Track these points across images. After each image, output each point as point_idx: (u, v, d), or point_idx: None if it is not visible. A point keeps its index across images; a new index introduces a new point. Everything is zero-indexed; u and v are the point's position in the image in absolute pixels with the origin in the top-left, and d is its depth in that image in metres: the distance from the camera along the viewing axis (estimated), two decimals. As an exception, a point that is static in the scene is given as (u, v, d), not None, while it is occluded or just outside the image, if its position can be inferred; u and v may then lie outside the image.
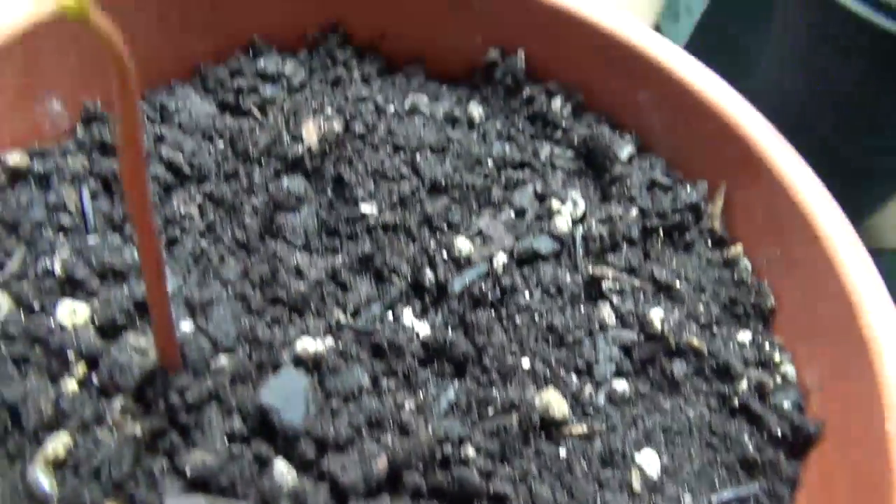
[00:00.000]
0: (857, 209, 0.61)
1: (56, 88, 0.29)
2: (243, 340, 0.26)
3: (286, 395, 0.24)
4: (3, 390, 0.23)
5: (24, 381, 0.23)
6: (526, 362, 0.28)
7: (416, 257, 0.30)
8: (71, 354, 0.24)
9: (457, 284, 0.29)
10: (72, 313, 0.25)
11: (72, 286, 0.26)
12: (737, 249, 0.32)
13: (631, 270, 0.32)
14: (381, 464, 0.24)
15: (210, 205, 0.30)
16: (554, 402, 0.26)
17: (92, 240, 0.27)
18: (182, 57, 0.33)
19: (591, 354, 0.29)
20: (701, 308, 0.31)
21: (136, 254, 0.27)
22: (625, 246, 0.32)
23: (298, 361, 0.26)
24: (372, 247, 0.29)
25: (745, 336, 0.30)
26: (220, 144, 0.32)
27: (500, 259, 0.30)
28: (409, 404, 0.26)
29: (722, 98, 0.32)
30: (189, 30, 0.33)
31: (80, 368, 0.24)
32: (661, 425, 0.28)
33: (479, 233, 0.31)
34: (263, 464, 0.23)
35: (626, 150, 0.34)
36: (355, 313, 0.28)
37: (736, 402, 0.28)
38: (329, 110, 0.33)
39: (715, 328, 0.31)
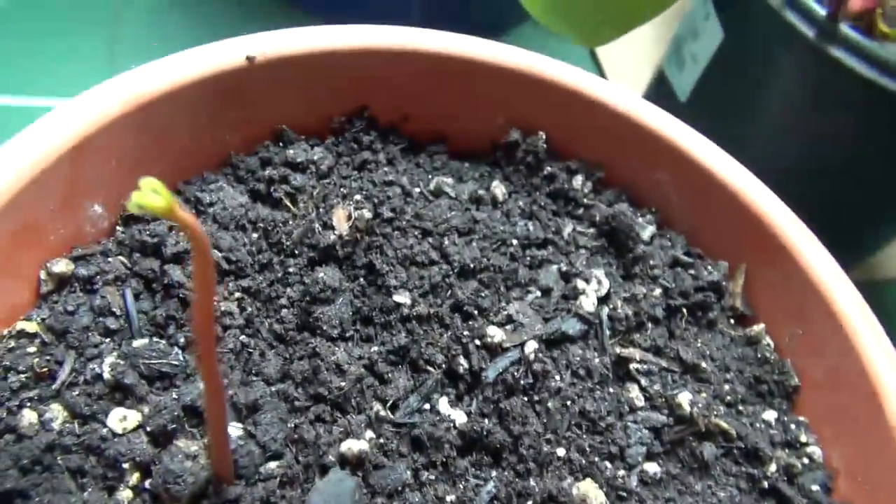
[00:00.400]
0: (861, 251, 0.62)
1: (97, 193, 0.30)
2: (290, 443, 0.26)
3: (335, 500, 0.25)
4: (63, 505, 0.24)
5: (83, 493, 0.24)
6: (561, 451, 0.29)
7: (450, 346, 0.30)
8: (125, 463, 0.25)
9: (490, 372, 0.30)
10: (122, 420, 0.26)
11: (121, 392, 0.27)
12: (759, 328, 0.33)
13: (657, 350, 0.32)
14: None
15: (248, 299, 0.31)
16: (591, 492, 0.27)
17: (137, 343, 0.28)
18: (213, 148, 0.34)
19: (623, 438, 0.30)
20: (727, 387, 0.32)
21: (181, 356, 0.28)
22: (650, 325, 0.33)
23: (344, 461, 0.26)
24: (407, 338, 0.30)
25: (770, 415, 0.31)
26: (254, 236, 0.33)
27: (531, 346, 0.31)
28: (450, 497, 0.27)
29: (737, 179, 0.33)
30: (219, 123, 0.34)
31: (133, 477, 0.25)
32: (694, 508, 0.29)
33: (510, 319, 0.32)
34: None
35: (647, 230, 0.35)
36: (394, 407, 0.29)
37: (765, 485, 0.29)
38: (357, 196, 0.34)
39: (741, 407, 0.31)
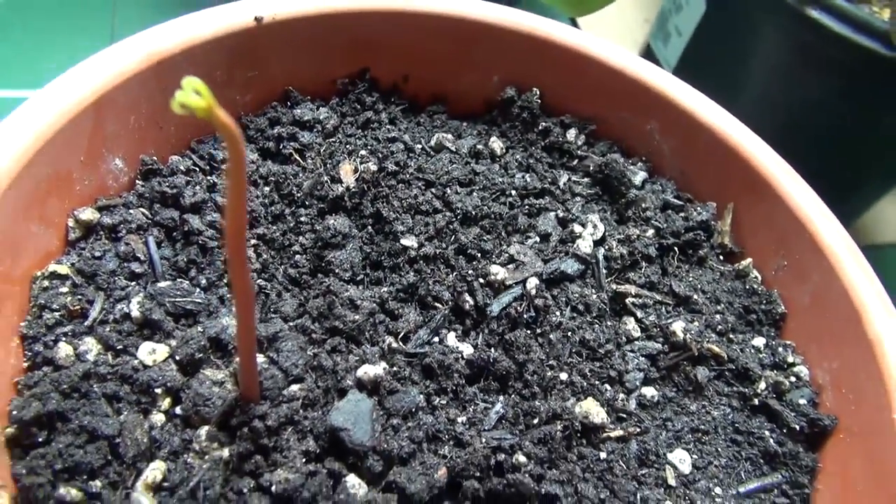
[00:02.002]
0: (847, 210, 0.64)
1: (118, 147, 0.32)
2: (310, 370, 0.28)
3: (354, 417, 0.27)
4: (101, 426, 0.25)
5: (119, 416, 0.26)
6: (564, 376, 0.30)
7: (456, 284, 0.32)
8: (157, 389, 0.27)
9: (495, 307, 0.32)
10: (152, 352, 0.28)
11: (149, 328, 0.28)
12: (747, 262, 0.35)
13: (651, 286, 0.34)
14: (441, 473, 0.27)
15: (263, 246, 0.33)
16: (593, 410, 0.29)
17: (162, 284, 0.30)
18: (225, 108, 0.36)
19: (621, 364, 0.32)
20: (718, 317, 0.34)
21: (204, 295, 0.30)
22: (644, 264, 0.35)
23: (360, 386, 0.28)
24: (415, 277, 0.32)
25: (759, 341, 0.33)
26: (266, 189, 0.34)
27: (533, 282, 0.32)
28: (461, 419, 0.29)
29: (724, 125, 0.35)
30: (231, 85, 0.36)
31: (165, 402, 0.27)
32: (689, 426, 0.31)
33: (511, 259, 0.34)
34: (337, 479, 0.26)
35: (639, 175, 0.37)
36: (405, 339, 0.31)
37: (756, 402, 0.31)
38: (363, 152, 0.36)
39: (732, 335, 0.33)
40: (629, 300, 0.34)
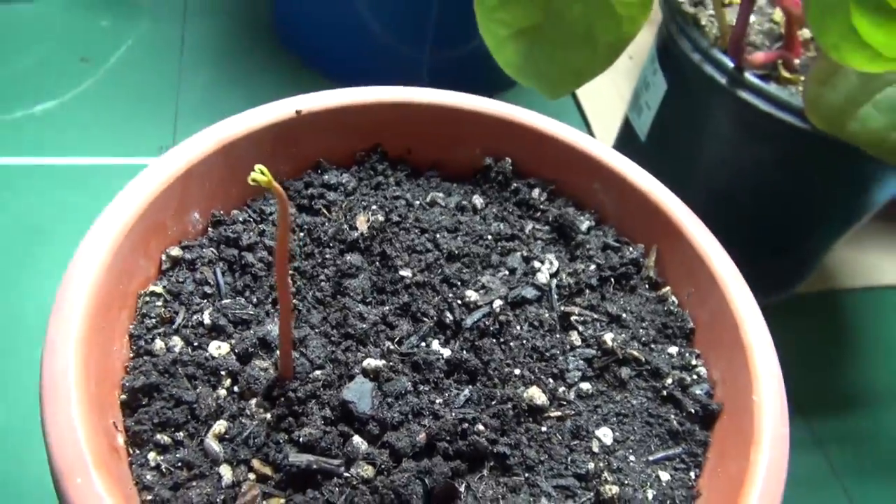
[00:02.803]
0: (805, 253, 0.73)
1: (196, 205, 0.44)
2: (328, 362, 0.39)
3: (359, 395, 0.38)
4: (184, 395, 0.37)
5: (196, 390, 0.37)
6: (518, 371, 0.41)
7: (440, 305, 0.43)
8: (221, 372, 0.38)
9: (469, 321, 0.43)
10: (218, 348, 0.39)
11: (216, 332, 0.40)
12: (666, 290, 0.45)
13: (592, 308, 0.45)
14: (422, 437, 0.37)
15: (297, 276, 0.44)
16: (536, 395, 0.39)
17: (225, 301, 0.41)
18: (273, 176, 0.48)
19: (564, 365, 0.42)
20: (641, 331, 0.44)
21: (255, 309, 0.41)
22: (587, 291, 0.46)
23: (365, 373, 0.39)
24: (409, 298, 0.43)
25: (673, 349, 0.43)
26: (301, 235, 0.46)
27: (498, 303, 0.43)
28: (438, 400, 0.39)
29: (649, 185, 0.46)
30: (277, 157, 0.48)
31: (227, 382, 0.38)
32: (614, 411, 0.41)
33: (483, 286, 0.44)
34: (346, 438, 0.37)
35: (585, 223, 0.48)
36: (399, 343, 0.42)
37: (665, 393, 0.41)
38: (374, 206, 0.48)
39: (652, 345, 0.43)
40: (573, 318, 0.44)
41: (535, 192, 0.50)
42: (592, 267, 0.46)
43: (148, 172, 0.41)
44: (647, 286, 0.46)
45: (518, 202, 0.50)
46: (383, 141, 0.51)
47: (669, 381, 0.41)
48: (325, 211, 0.48)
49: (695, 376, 0.42)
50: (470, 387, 0.40)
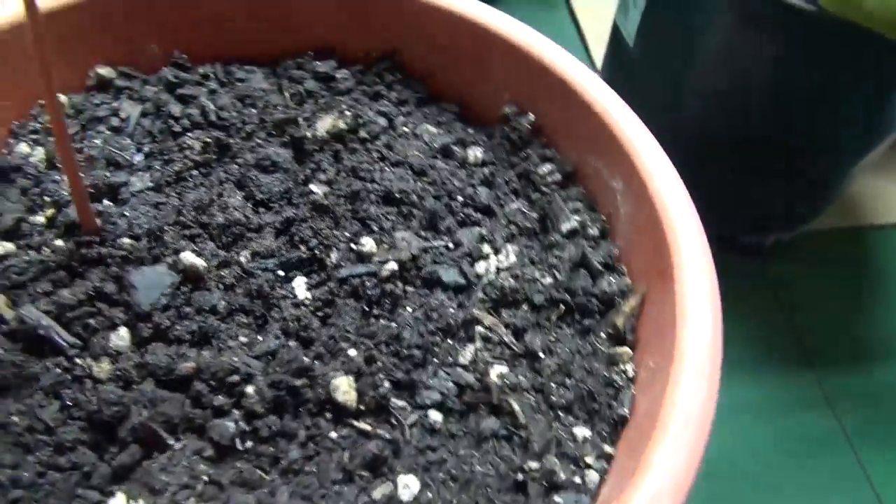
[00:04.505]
0: (825, 184, 0.52)
1: (157, 35, 0.39)
2: (149, 236, 0.32)
3: (149, 284, 0.30)
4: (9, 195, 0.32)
5: (11, 201, 0.33)
6: (352, 352, 0.30)
7: (329, 240, 0.34)
8: (47, 199, 0.33)
9: (344, 272, 0.32)
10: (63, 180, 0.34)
11: (88, 162, 0.35)
12: (623, 350, 0.30)
13: (513, 329, 0.32)
14: (187, 367, 0.29)
15: (214, 146, 0.37)
16: (342, 387, 0.28)
17: (122, 141, 0.36)
18: (269, 48, 0.42)
19: (424, 378, 0.30)
20: (555, 388, 0.30)
21: (145, 161, 0.36)
22: (524, 307, 0.32)
23: (177, 267, 0.31)
24: (298, 214, 0.34)
25: (582, 432, 0.29)
26: (253, 110, 0.39)
27: (391, 267, 0.32)
28: (241, 339, 0.30)
29: (666, 199, 0.31)
30: (281, 28, 0.41)
31: (50, 210, 0.33)
32: (444, 467, 0.28)
33: (393, 243, 0.34)
34: (114, 325, 0.30)
35: (567, 224, 0.34)
36: (253, 257, 0.33)
37: (520, 478, 0.27)
38: (348, 113, 0.39)
39: (559, 412, 0.29)
40: (479, 328, 0.32)
41: (545, 169, 0.37)
42: (547, 280, 0.33)
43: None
44: (604, 337, 0.32)
45: (522, 173, 0.38)
46: (405, 49, 0.42)
47: (536, 466, 0.27)
48: (291, 99, 0.40)
49: (582, 466, 0.27)
50: (290, 343, 0.31)
